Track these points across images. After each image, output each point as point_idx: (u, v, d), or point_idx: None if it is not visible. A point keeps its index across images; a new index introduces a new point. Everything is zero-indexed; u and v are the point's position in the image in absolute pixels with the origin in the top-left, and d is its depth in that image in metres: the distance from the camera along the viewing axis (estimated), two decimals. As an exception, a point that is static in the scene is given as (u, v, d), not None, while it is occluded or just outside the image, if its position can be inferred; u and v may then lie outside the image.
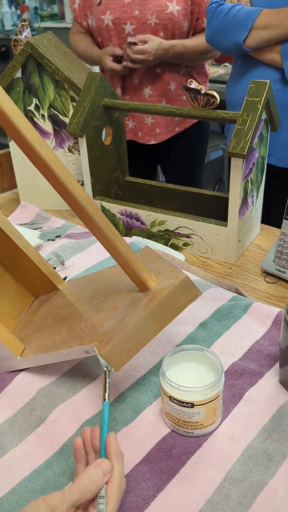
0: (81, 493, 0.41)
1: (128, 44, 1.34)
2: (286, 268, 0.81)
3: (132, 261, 0.55)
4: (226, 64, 2.62)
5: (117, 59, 1.39)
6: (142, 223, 0.95)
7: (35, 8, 3.79)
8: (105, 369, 0.52)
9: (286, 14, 1.06)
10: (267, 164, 1.21)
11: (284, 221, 0.80)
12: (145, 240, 0.93)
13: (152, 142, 1.51)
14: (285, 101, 1.14)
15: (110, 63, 1.39)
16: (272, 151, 1.19)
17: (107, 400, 0.50)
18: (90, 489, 0.42)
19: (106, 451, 0.45)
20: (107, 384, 0.51)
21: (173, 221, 0.91)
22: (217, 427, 0.54)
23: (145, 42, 1.32)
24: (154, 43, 1.32)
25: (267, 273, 0.85)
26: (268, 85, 0.79)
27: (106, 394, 0.51)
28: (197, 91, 0.82)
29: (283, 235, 0.80)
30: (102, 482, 0.43)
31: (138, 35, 1.35)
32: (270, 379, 0.60)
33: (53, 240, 0.95)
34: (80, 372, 0.63)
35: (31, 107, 1.02)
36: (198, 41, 1.40)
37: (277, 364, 0.62)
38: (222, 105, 0.84)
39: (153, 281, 0.57)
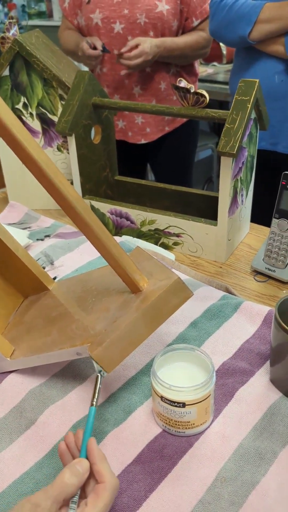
0: (62, 487, 0.42)
1: (120, 55, 1.33)
2: (276, 266, 0.82)
3: (124, 262, 0.55)
4: (215, 63, 2.63)
5: (92, 46, 1.36)
6: (132, 222, 0.94)
7: (23, 6, 3.75)
8: (98, 374, 0.52)
9: None
10: (275, 152, 1.24)
11: (274, 220, 0.80)
12: (135, 239, 0.93)
13: (143, 141, 1.51)
14: None
15: (86, 48, 1.35)
16: (280, 139, 1.23)
17: (94, 405, 0.49)
18: (72, 483, 0.42)
19: (89, 456, 0.45)
20: (98, 389, 0.51)
21: (163, 220, 0.90)
22: (209, 427, 0.54)
23: (137, 45, 1.32)
24: (146, 43, 1.32)
25: (257, 272, 0.85)
26: (257, 84, 0.79)
27: (95, 399, 0.50)
28: (187, 90, 0.81)
29: (273, 234, 0.81)
30: (83, 477, 0.43)
31: (128, 36, 1.35)
32: (260, 378, 0.60)
33: (42, 239, 0.95)
34: (71, 373, 0.62)
35: (19, 106, 1.01)
36: (187, 38, 1.41)
37: (268, 362, 0.62)
38: (214, 105, 0.84)
39: (145, 282, 0.57)
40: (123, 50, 1.33)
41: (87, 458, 0.45)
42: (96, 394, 0.50)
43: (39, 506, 0.40)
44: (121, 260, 0.55)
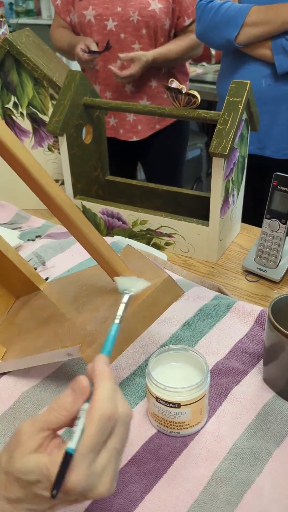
0: (49, 414, 0.36)
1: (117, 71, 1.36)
2: (267, 266, 0.82)
3: (114, 262, 0.55)
4: (204, 63, 2.64)
5: (86, 51, 1.37)
6: (124, 222, 0.94)
7: (10, 3, 3.72)
8: (126, 293, 0.48)
9: (275, 11, 1.09)
10: (262, 157, 1.25)
11: (265, 220, 0.81)
12: (127, 239, 0.93)
13: (134, 139, 1.51)
14: (277, 96, 1.17)
15: (82, 55, 1.36)
16: (267, 143, 1.24)
17: (118, 322, 0.44)
18: (61, 406, 0.36)
19: (90, 372, 0.39)
20: (124, 306, 0.46)
21: (155, 220, 0.90)
22: (203, 427, 0.54)
23: (132, 59, 1.35)
24: (139, 60, 1.35)
25: (248, 272, 0.86)
26: (248, 85, 0.80)
27: (119, 316, 0.45)
28: (178, 91, 0.81)
29: (264, 234, 0.81)
30: (73, 402, 0.36)
31: (121, 33, 1.35)
32: (254, 377, 0.61)
33: (33, 240, 0.94)
34: (65, 374, 0.62)
35: (10, 105, 1.00)
36: (180, 44, 1.43)
37: (261, 362, 0.63)
38: (203, 105, 0.85)
39: None
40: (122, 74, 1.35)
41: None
42: (121, 311, 0.46)
43: (25, 433, 0.35)
44: (111, 260, 0.54)
